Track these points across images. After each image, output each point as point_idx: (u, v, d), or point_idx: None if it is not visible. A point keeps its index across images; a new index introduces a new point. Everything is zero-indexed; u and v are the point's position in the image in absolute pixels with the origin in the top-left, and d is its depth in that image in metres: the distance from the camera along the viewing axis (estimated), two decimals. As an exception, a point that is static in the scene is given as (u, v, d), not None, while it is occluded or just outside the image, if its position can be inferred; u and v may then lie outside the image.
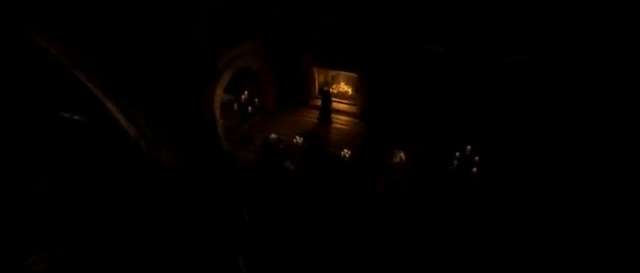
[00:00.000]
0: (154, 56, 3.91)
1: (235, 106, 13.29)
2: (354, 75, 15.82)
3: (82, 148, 8.60)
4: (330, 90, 16.93)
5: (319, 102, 16.16)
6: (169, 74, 4.17)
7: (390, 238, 9.67)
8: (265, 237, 8.94)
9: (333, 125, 15.11)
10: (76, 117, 8.56)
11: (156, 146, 4.82)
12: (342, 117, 15.43)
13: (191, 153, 5.13)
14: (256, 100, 14.15)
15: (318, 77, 16.74)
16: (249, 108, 13.43)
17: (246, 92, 13.73)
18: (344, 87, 16.97)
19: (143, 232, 8.28)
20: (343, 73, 16.66)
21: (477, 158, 10.79)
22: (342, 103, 16.18)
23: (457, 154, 10.98)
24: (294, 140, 12.96)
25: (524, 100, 12.93)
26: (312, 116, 15.65)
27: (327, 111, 15.11)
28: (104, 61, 3.67)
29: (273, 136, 13.40)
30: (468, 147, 10.90)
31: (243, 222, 6.50)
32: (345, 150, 12.09)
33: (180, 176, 5.00)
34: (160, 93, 4.22)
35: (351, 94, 16.72)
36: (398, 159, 11.95)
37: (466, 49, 13.11)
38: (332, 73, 17.11)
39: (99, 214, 8.74)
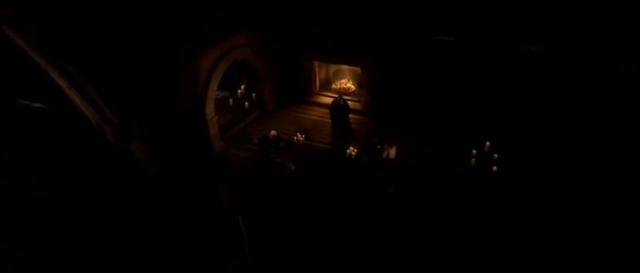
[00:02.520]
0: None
1: (231, 101, 12.37)
2: (358, 70, 15.00)
3: (47, 139, 7.55)
4: (333, 86, 16.10)
5: (320, 98, 15.29)
6: (131, 43, 3.12)
7: (396, 241, 8.94)
8: (263, 247, 8.11)
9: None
10: (36, 105, 7.52)
11: (123, 136, 3.77)
12: (346, 114, 14.51)
13: (176, 152, 4.09)
14: (253, 95, 13.18)
15: (319, 72, 15.90)
16: (246, 104, 12.49)
17: (242, 87, 12.75)
18: (347, 83, 16.23)
19: (121, 240, 7.33)
20: (346, 67, 15.93)
21: (496, 156, 9.83)
22: (344, 99, 15.32)
23: (474, 151, 10.00)
24: (295, 138, 12.02)
25: (546, 93, 12.07)
26: (313, 113, 14.83)
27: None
28: (47, 21, 2.63)
29: (272, 133, 12.48)
30: (487, 143, 9.91)
31: (238, 231, 5.57)
32: (351, 148, 11.15)
33: (161, 176, 4.05)
34: (120, 67, 3.17)
35: (354, 91, 15.91)
36: (386, 155, 11.22)
37: (481, 39, 12.25)
38: (334, 68, 16.40)
39: (73, 215, 7.80)
